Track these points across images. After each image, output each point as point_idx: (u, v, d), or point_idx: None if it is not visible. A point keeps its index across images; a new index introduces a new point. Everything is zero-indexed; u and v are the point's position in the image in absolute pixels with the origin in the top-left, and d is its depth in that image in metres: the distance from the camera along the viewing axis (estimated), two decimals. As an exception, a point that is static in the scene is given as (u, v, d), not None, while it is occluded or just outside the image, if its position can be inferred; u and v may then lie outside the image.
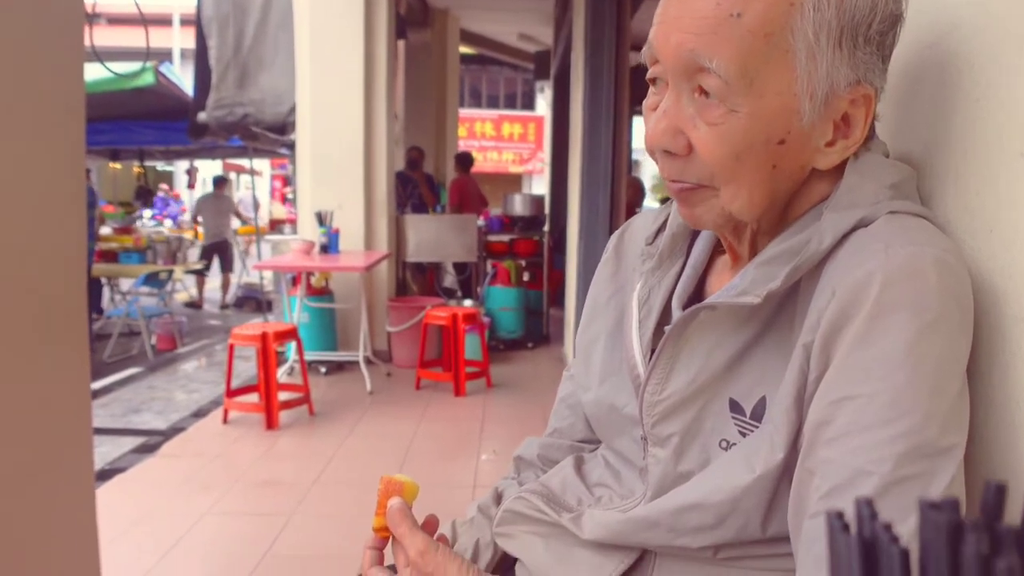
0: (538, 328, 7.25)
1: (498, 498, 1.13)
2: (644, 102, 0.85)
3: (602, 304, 1.06)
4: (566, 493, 1.02)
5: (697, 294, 0.94)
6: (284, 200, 19.14)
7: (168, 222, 10.13)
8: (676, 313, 0.91)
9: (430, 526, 0.94)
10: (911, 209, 0.79)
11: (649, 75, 0.83)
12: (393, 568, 0.93)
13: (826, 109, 0.77)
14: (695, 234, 0.97)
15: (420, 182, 8.02)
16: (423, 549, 0.87)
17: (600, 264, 1.10)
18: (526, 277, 7.13)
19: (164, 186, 16.61)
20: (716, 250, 0.96)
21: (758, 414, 0.81)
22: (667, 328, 0.87)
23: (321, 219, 5.82)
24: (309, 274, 5.71)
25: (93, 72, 4.14)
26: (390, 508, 0.90)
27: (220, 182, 10.43)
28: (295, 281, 5.86)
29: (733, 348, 0.83)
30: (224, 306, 10.06)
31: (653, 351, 0.89)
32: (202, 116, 6.18)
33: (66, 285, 1.60)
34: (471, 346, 5.59)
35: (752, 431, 0.81)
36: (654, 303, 0.95)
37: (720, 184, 0.79)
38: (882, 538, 0.30)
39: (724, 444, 0.83)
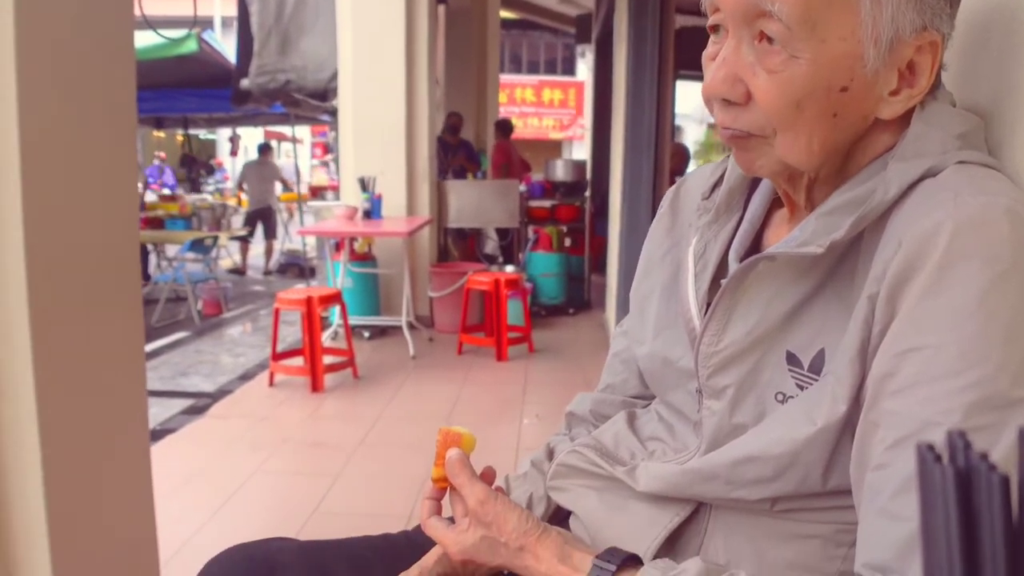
0: (580, 294, 7.24)
1: (550, 453, 1.14)
2: (704, 52, 0.84)
3: (657, 259, 1.05)
4: (619, 448, 1.02)
5: (754, 248, 0.93)
6: (324, 166, 19.22)
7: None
8: (732, 267, 0.91)
9: (488, 477, 0.95)
10: (980, 159, 0.77)
11: (709, 23, 0.82)
12: (451, 519, 0.94)
13: (891, 56, 0.75)
14: (752, 188, 0.96)
15: (458, 149, 8.00)
16: (483, 498, 0.88)
17: (655, 220, 1.09)
18: (568, 243, 7.11)
19: (217, 161, 16.76)
20: (774, 204, 0.95)
21: (816, 367, 0.80)
22: (723, 281, 0.87)
23: (364, 185, 5.85)
24: (352, 239, 5.76)
25: (137, 40, 4.17)
26: (449, 458, 0.92)
27: (264, 149, 10.51)
28: (338, 246, 5.91)
29: (792, 300, 0.82)
30: (267, 272, 10.18)
31: (708, 305, 0.89)
32: (245, 83, 6.23)
33: (121, 247, 1.64)
34: (513, 311, 5.61)
35: (809, 384, 0.80)
36: (710, 257, 0.94)
37: (777, 133, 0.78)
38: (979, 467, 0.30)
39: (780, 397, 0.82)
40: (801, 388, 0.81)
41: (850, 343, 0.74)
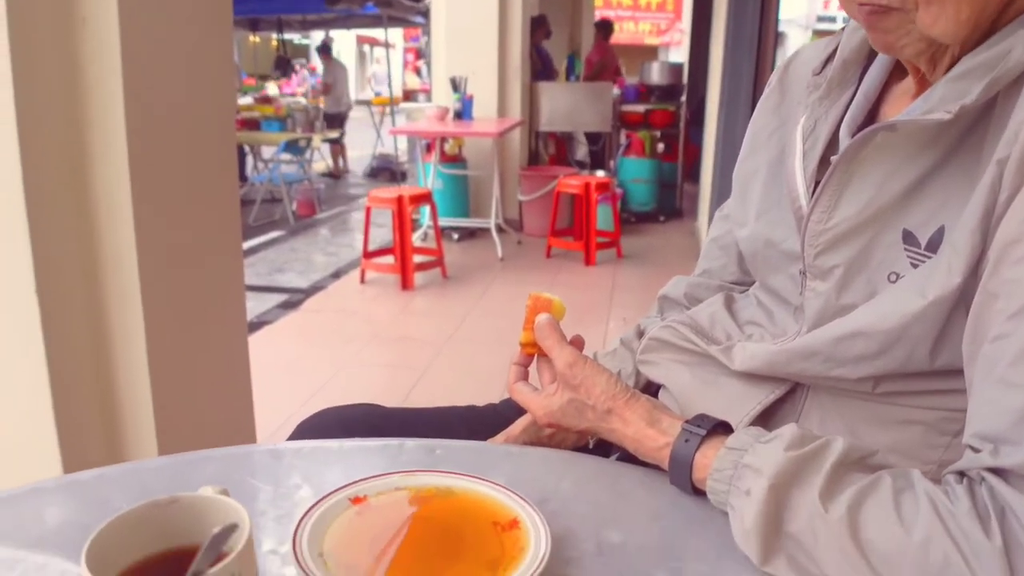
0: (671, 202, 7.09)
1: (640, 334, 1.12)
2: None
3: (763, 138, 0.99)
4: (715, 328, 0.99)
5: (868, 123, 0.86)
6: (416, 72, 19.16)
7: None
8: (844, 143, 0.84)
9: (577, 344, 0.93)
10: None
11: None
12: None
13: None
14: (868, 60, 0.89)
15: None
16: (571, 361, 0.86)
17: (762, 98, 1.03)
18: (660, 149, 6.95)
19: (311, 66, 16.87)
20: (892, 77, 0.88)
21: (934, 245, 0.74)
22: (834, 158, 0.81)
23: (455, 85, 5.79)
24: (443, 141, 5.74)
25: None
26: (538, 322, 0.90)
27: (323, 51, 10.46)
28: (429, 148, 5.91)
29: (911, 175, 0.76)
30: (334, 175, 10.24)
31: (817, 184, 0.83)
32: (339, -20, 6.18)
33: (219, 146, 1.67)
34: (603, 216, 5.54)
35: (925, 262, 0.75)
36: (820, 134, 0.88)
37: (919, 5, 0.70)
38: None
39: (893, 277, 0.77)
40: (915, 267, 0.76)
41: (972, 211, 0.68)
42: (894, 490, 0.65)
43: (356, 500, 0.73)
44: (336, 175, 10.27)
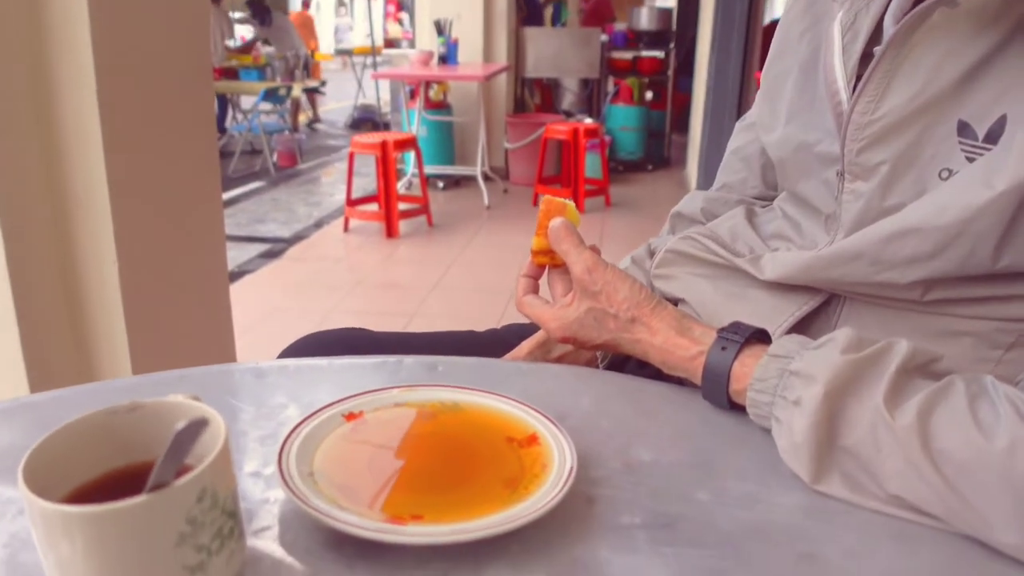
0: (659, 151, 6.97)
1: (651, 253, 1.03)
2: None
3: (794, 38, 0.90)
4: (736, 241, 0.90)
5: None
6: (398, 21, 18.80)
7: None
8: (888, 32, 0.75)
9: (594, 252, 0.83)
10: None
11: None
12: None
13: None
14: None
15: None
16: (591, 265, 0.77)
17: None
18: (649, 96, 6.81)
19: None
20: None
21: (993, 136, 0.65)
22: (876, 50, 0.72)
23: (439, 28, 5.62)
24: (427, 86, 5.58)
25: None
26: (553, 226, 0.80)
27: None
28: (413, 94, 5.75)
29: (970, 59, 0.66)
30: (311, 123, 9.99)
31: (859, 79, 0.74)
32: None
33: (195, 93, 1.60)
34: (591, 164, 5.42)
35: (985, 155, 0.66)
36: (861, 26, 0.78)
37: None
38: None
39: (945, 174, 0.68)
40: (971, 162, 0.67)
41: None
42: (968, 395, 0.57)
43: (350, 416, 0.64)
44: (307, 125, 9.97)
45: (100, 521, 0.41)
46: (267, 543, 0.53)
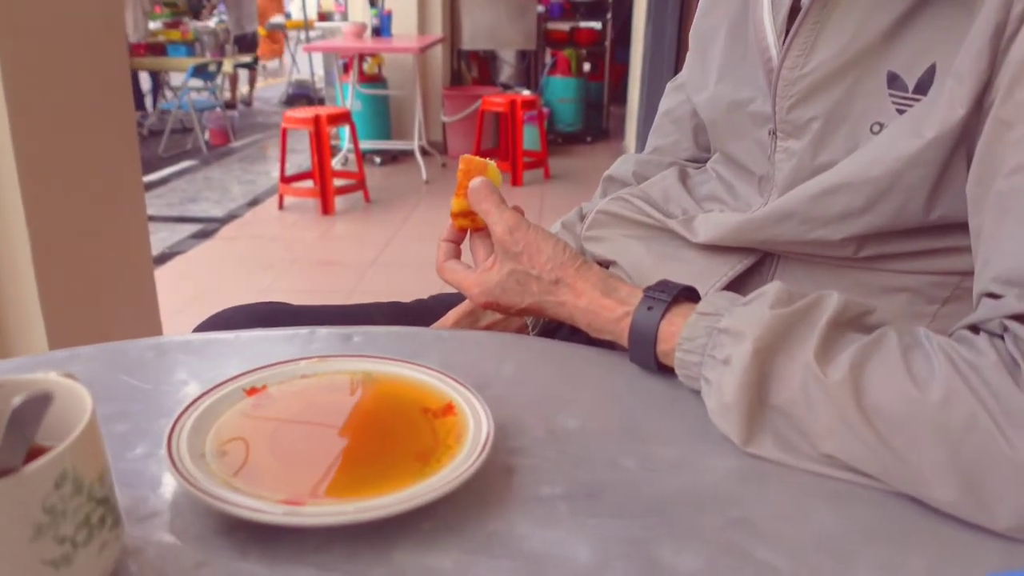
0: (598, 122, 6.96)
1: (582, 217, 0.99)
2: None
3: None
4: (669, 203, 0.87)
5: None
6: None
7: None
8: None
9: (518, 212, 0.79)
10: None
11: None
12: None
13: None
14: None
15: None
16: (513, 224, 0.73)
17: None
18: (587, 68, 6.77)
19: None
20: None
21: (923, 87, 0.63)
22: (804, 1, 0.69)
23: (372, 0, 5.50)
24: (361, 59, 5.46)
25: None
26: (473, 186, 0.76)
27: None
28: (347, 68, 5.63)
29: (898, 9, 0.64)
30: (246, 101, 9.74)
31: (788, 31, 0.71)
32: None
33: (108, 68, 1.55)
34: (529, 137, 5.38)
35: (915, 105, 0.64)
36: None
37: None
38: None
39: (876, 128, 0.66)
40: (902, 114, 0.65)
41: (979, 32, 0.57)
42: (902, 347, 0.55)
43: (252, 391, 0.59)
44: (241, 103, 9.72)
45: (-63, 515, 0.36)
46: (155, 531, 0.48)
